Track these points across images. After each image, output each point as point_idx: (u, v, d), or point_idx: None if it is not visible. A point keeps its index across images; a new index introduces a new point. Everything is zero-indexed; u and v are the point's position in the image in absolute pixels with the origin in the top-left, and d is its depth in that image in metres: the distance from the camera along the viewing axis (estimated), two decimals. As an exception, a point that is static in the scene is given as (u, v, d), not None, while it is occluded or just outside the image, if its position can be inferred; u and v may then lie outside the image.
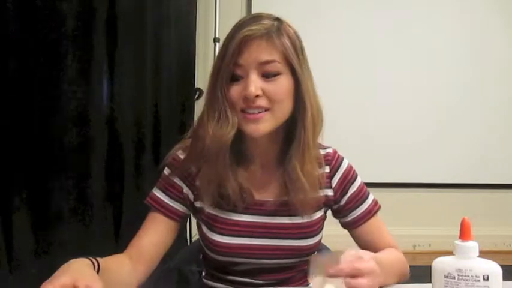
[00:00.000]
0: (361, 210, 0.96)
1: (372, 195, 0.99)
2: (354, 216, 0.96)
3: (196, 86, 2.78)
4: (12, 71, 1.87)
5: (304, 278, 0.99)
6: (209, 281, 0.98)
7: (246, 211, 0.91)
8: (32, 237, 1.93)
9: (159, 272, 0.93)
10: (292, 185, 0.89)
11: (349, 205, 0.96)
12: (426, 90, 2.98)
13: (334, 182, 0.95)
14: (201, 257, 1.04)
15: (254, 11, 2.88)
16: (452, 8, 2.98)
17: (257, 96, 0.82)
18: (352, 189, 0.96)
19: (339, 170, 0.96)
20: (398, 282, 0.88)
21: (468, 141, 2.98)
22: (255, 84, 0.82)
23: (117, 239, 2.19)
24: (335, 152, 0.98)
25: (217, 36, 2.80)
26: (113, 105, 2.18)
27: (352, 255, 0.72)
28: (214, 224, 0.91)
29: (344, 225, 0.99)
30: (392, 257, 0.91)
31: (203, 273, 1.02)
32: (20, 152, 1.91)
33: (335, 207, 0.97)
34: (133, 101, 2.26)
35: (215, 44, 2.80)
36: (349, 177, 0.96)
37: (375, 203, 0.98)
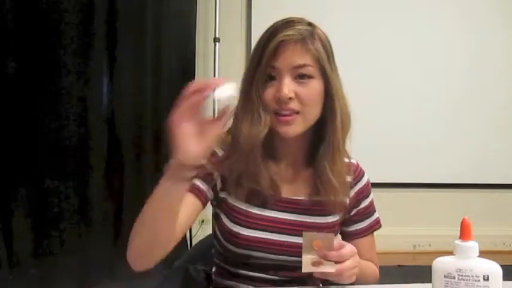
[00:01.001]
0: (364, 225, 0.99)
1: (377, 213, 1.02)
2: (355, 228, 0.99)
3: (196, 86, 2.78)
4: (12, 71, 1.87)
5: (316, 279, 1.00)
6: (219, 278, 0.99)
7: (273, 207, 0.93)
8: (32, 238, 1.94)
9: (165, 271, 0.92)
10: (323, 185, 0.92)
11: (355, 217, 0.99)
12: (426, 90, 2.98)
13: (352, 192, 0.98)
14: (213, 251, 1.04)
15: (254, 11, 2.88)
16: (454, 9, 2.99)
17: (290, 98, 0.86)
18: (364, 204, 1.00)
19: (359, 183, 0.99)
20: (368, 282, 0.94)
21: (468, 141, 2.98)
22: (289, 87, 0.85)
23: (117, 238, 2.19)
24: (358, 164, 1.02)
25: (217, 36, 2.80)
26: (113, 105, 2.19)
27: (341, 243, 0.80)
28: (238, 216, 0.92)
29: (342, 233, 1.02)
30: (368, 264, 0.98)
31: (213, 269, 1.02)
32: (20, 152, 1.91)
33: (346, 216, 1.00)
34: (133, 101, 2.27)
35: (215, 44, 2.80)
36: (366, 192, 1.00)
37: (378, 221, 1.02)
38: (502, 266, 0.65)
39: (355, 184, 0.99)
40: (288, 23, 0.88)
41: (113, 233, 2.19)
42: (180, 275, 1.02)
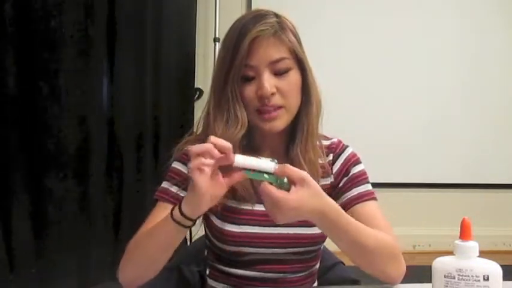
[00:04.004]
0: (356, 192, 0.94)
1: (371, 188, 0.97)
2: (348, 197, 0.94)
3: (196, 86, 2.78)
4: (11, 71, 1.87)
5: (310, 277, 1.00)
6: (213, 280, 0.99)
7: (257, 201, 0.91)
8: (32, 237, 1.93)
9: (158, 272, 0.93)
10: None
11: (347, 185, 0.95)
12: (426, 90, 2.98)
13: (336, 167, 0.97)
14: (205, 253, 1.04)
15: (254, 10, 2.88)
16: (452, 8, 2.99)
17: (272, 94, 0.85)
18: (354, 171, 0.96)
19: (341, 156, 0.97)
20: (374, 259, 0.83)
21: (468, 141, 2.98)
22: (269, 82, 0.85)
23: (117, 238, 2.19)
24: (340, 141, 1.00)
25: (217, 36, 2.80)
26: (113, 105, 2.19)
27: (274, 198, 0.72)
28: (226, 214, 0.91)
29: (341, 207, 0.94)
30: (363, 226, 0.83)
31: (207, 272, 1.02)
32: (20, 152, 1.91)
33: (336, 190, 0.96)
34: (133, 101, 2.27)
35: (215, 44, 2.80)
36: (352, 160, 0.97)
37: (372, 192, 0.96)
38: (502, 266, 0.65)
39: (337, 158, 0.97)
40: (256, 17, 0.87)
41: (113, 233, 2.19)
42: (173, 275, 1.02)
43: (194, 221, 0.79)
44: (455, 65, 2.99)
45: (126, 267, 0.87)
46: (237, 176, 0.75)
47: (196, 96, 2.79)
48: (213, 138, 0.72)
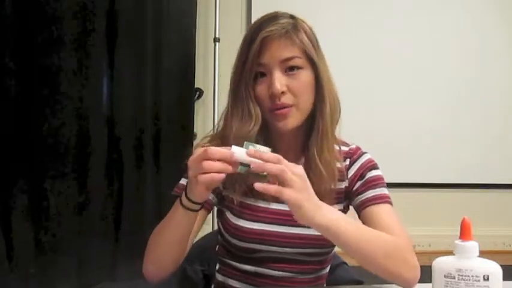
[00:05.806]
0: (372, 194, 0.95)
1: (388, 192, 0.97)
2: (363, 198, 0.95)
3: (196, 86, 2.77)
4: (11, 70, 1.87)
5: (319, 280, 1.00)
6: (222, 275, 1.00)
7: (273, 199, 0.93)
8: (32, 237, 1.93)
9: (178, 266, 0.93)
10: (312, 173, 0.90)
11: (362, 188, 0.96)
12: (426, 90, 2.97)
13: (351, 172, 0.98)
14: (216, 248, 1.05)
15: (254, 11, 2.87)
16: (453, 7, 2.98)
17: (283, 93, 0.87)
18: (370, 175, 0.98)
19: (358, 161, 0.99)
20: (375, 257, 0.82)
21: (468, 141, 2.98)
22: (280, 81, 0.87)
23: (117, 239, 2.19)
24: (358, 148, 1.03)
25: (217, 36, 2.80)
26: (113, 105, 2.19)
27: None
28: (242, 210, 0.94)
29: (355, 210, 0.98)
30: (362, 226, 0.85)
31: (216, 267, 1.03)
32: (20, 152, 1.91)
33: (350, 194, 0.98)
34: (133, 101, 2.26)
35: (215, 44, 2.80)
36: (368, 165, 0.99)
37: (388, 196, 0.97)
38: (502, 266, 0.65)
39: (353, 163, 0.99)
40: (271, 18, 0.90)
41: (113, 233, 2.19)
42: (177, 275, 1.03)
43: (201, 205, 0.84)
44: (456, 65, 2.99)
45: (147, 260, 0.91)
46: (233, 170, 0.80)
47: (196, 96, 2.79)
48: (210, 150, 0.74)
